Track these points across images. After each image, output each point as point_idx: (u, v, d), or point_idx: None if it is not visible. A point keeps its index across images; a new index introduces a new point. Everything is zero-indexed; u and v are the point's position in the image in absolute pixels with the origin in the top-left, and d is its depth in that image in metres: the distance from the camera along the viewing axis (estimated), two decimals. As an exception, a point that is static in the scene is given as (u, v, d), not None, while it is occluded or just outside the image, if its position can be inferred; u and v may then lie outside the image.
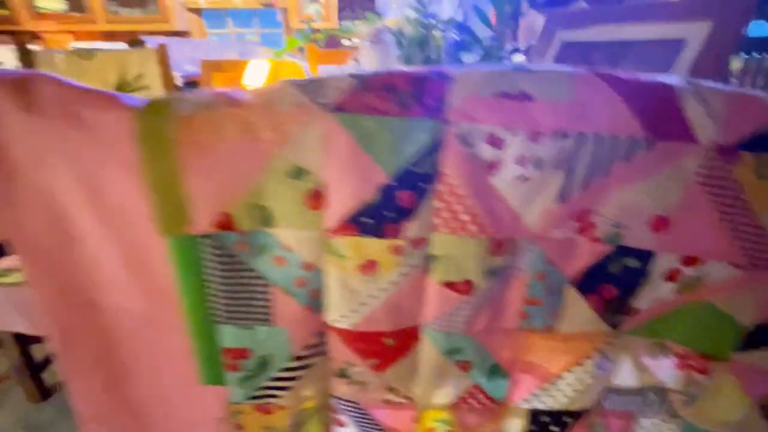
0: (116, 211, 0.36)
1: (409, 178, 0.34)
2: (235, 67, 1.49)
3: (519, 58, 1.08)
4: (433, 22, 1.01)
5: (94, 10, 2.86)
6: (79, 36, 2.98)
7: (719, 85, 0.31)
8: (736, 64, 0.87)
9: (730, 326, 0.39)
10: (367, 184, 0.34)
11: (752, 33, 0.87)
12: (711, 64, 0.61)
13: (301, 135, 0.33)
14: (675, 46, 0.66)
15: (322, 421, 0.48)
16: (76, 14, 2.88)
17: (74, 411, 0.45)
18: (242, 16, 3.41)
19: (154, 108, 0.33)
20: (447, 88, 0.32)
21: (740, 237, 0.35)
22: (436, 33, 1.03)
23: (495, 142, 0.33)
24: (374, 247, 0.36)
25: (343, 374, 0.44)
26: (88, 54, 1.52)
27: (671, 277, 0.37)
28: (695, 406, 0.43)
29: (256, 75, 1.33)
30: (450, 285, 0.38)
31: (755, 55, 0.87)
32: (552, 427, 0.47)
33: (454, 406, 0.46)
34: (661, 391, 0.44)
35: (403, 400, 0.46)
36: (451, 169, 0.34)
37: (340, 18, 3.10)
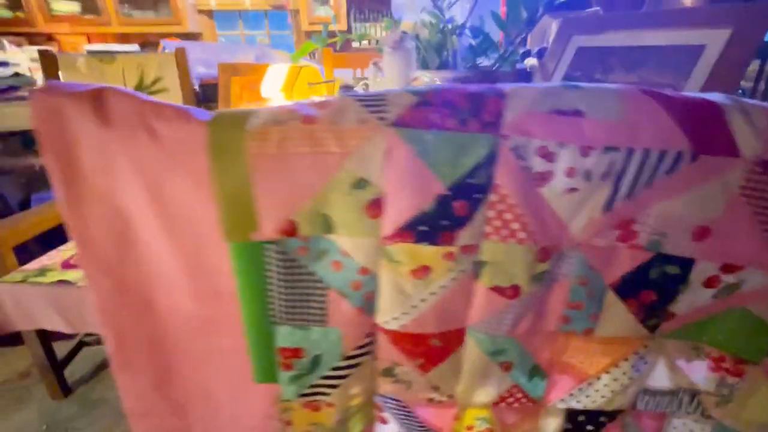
0: (181, 218, 0.38)
1: (465, 188, 0.35)
2: (254, 71, 1.52)
3: (531, 62, 1.10)
4: (450, 26, 1.03)
5: (107, 12, 2.90)
6: (92, 38, 3.02)
7: (764, 103, 0.33)
8: (751, 68, 0.88)
9: (764, 331, 0.41)
10: (425, 195, 0.36)
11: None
12: (729, 71, 0.63)
13: (364, 148, 0.35)
14: (694, 51, 0.67)
15: (366, 417, 0.50)
16: (90, 17, 2.91)
17: (122, 406, 0.47)
18: (253, 18, 3.44)
19: (223, 121, 0.35)
20: (503, 105, 0.34)
21: (779, 247, 0.37)
22: (453, 38, 1.04)
23: (547, 155, 0.35)
24: (428, 253, 0.38)
25: (389, 373, 0.46)
26: (109, 58, 1.56)
27: (710, 283, 0.39)
28: (728, 407, 0.45)
29: (275, 79, 1.35)
30: (498, 289, 0.40)
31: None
32: (587, 427, 0.49)
33: (494, 405, 0.48)
34: (694, 393, 0.46)
35: (445, 399, 0.47)
36: (505, 180, 0.35)
37: (349, 20, 3.11)
